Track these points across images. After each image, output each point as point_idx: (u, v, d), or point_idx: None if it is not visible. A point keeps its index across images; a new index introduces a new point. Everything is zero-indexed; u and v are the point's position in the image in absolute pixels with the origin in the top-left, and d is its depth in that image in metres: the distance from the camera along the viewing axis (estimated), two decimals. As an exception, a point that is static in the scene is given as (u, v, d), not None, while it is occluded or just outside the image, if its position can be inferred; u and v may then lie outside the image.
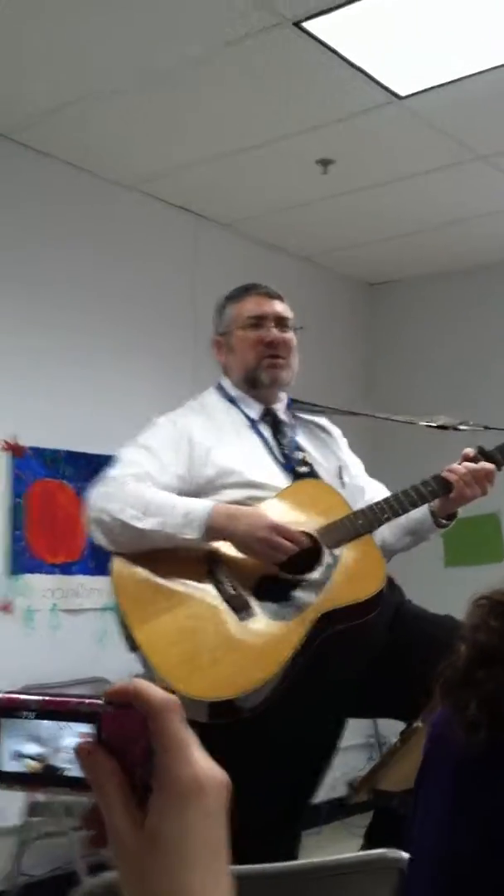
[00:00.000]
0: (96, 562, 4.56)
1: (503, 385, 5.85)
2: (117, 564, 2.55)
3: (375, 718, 3.30)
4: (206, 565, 2.53)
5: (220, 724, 2.35)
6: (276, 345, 2.77)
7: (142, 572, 2.52)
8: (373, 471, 3.04)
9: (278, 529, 2.47)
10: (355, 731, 4.42)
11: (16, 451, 4.38)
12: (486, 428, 2.79)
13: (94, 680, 4.42)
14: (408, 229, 5.51)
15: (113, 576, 2.55)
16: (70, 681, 4.33)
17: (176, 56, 3.67)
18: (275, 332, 2.77)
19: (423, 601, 2.76)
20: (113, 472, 2.60)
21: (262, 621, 2.47)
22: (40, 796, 3.71)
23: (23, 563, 4.34)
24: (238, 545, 2.50)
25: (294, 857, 2.63)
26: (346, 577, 2.53)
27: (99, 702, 0.66)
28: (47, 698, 0.67)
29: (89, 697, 0.67)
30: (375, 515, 2.59)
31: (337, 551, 2.55)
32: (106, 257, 4.84)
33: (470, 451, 2.68)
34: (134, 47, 3.62)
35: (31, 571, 4.37)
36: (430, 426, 2.86)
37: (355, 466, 2.93)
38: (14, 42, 3.60)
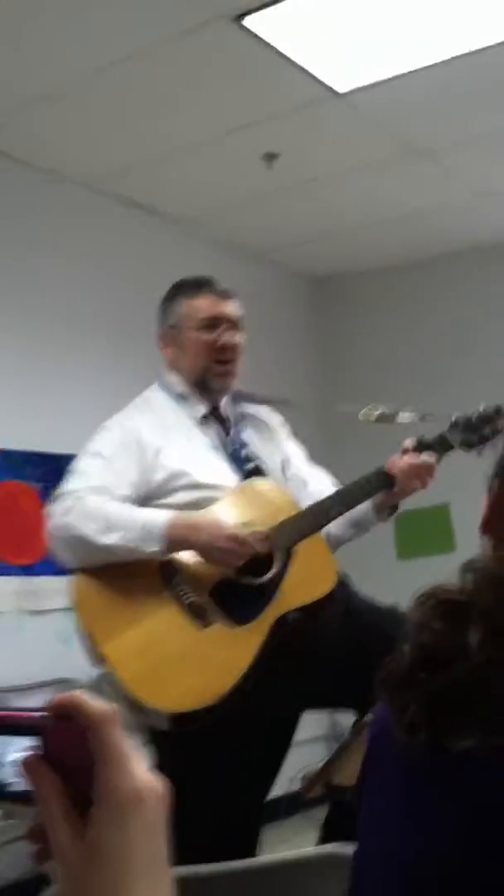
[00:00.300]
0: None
1: (450, 375, 5.90)
2: (77, 579, 2.54)
3: (331, 711, 3.31)
4: (162, 574, 2.53)
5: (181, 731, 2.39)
6: (227, 350, 2.74)
7: (101, 586, 2.51)
8: (326, 460, 3.06)
9: (237, 539, 2.48)
10: (313, 724, 4.44)
11: (-22, 453, 4.38)
12: (424, 419, 2.79)
13: (61, 681, 4.41)
14: (353, 224, 5.54)
15: (73, 591, 2.54)
16: (36, 682, 4.32)
17: (115, 53, 3.66)
18: (227, 337, 2.73)
19: (376, 593, 2.78)
20: (70, 485, 2.56)
21: (222, 628, 2.49)
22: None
23: (-14, 566, 4.34)
24: (199, 554, 2.51)
25: (254, 853, 2.66)
26: (298, 577, 2.56)
27: (41, 715, 0.66)
28: None
29: (32, 711, 0.67)
30: (323, 513, 2.62)
31: (288, 551, 2.57)
32: (60, 256, 4.82)
33: (409, 442, 2.71)
34: (74, 46, 3.61)
35: (-6, 574, 4.37)
36: (369, 421, 2.86)
37: (297, 456, 2.92)
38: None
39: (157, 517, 2.49)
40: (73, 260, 4.89)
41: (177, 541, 2.47)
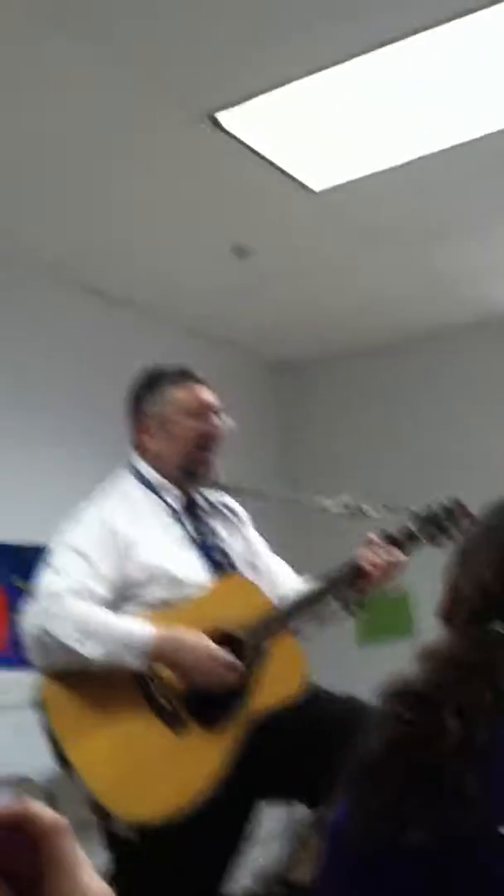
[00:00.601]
0: (17, 655, 4.46)
1: (415, 459, 5.95)
2: (47, 682, 2.50)
3: (287, 802, 3.26)
4: (136, 679, 2.49)
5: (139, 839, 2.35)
6: (218, 437, 2.76)
7: (73, 690, 2.48)
8: (289, 551, 3.06)
9: (220, 663, 2.47)
10: (269, 819, 4.32)
11: None
12: (387, 509, 2.82)
13: (16, 777, 4.30)
14: (323, 313, 5.61)
15: (42, 690, 2.50)
16: (-10, 780, 4.21)
17: (91, 142, 3.69)
18: (219, 424, 2.76)
19: (334, 678, 2.75)
20: (48, 583, 2.52)
21: (194, 734, 2.46)
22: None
23: None
24: (177, 672, 2.48)
25: None
26: (270, 678, 2.54)
27: None
28: None
29: None
30: (296, 610, 2.63)
31: (258, 649, 2.56)
32: (22, 344, 4.83)
33: (372, 535, 2.70)
34: (47, 133, 3.63)
35: (-50, 667, 4.27)
36: (335, 513, 2.87)
37: (263, 547, 2.93)
38: None
39: (142, 631, 2.46)
40: (35, 346, 4.88)
41: (160, 657, 2.45)
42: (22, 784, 4.35)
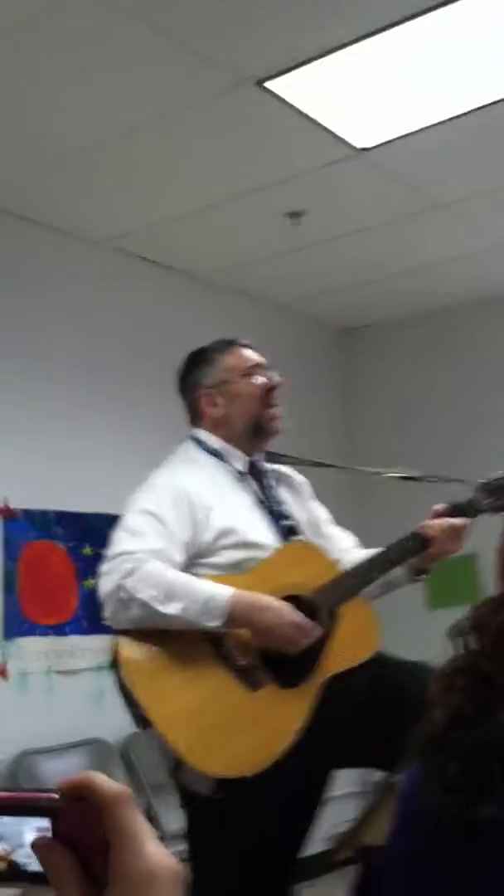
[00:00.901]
0: (89, 622, 4.56)
1: (476, 423, 5.91)
2: (123, 642, 2.51)
3: (360, 767, 3.29)
4: (209, 637, 2.50)
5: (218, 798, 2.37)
6: (276, 390, 2.81)
7: (148, 649, 2.49)
8: (349, 521, 3.08)
9: (299, 626, 2.48)
10: (345, 780, 4.37)
11: (6, 514, 4.40)
12: (448, 480, 2.84)
13: (92, 741, 4.40)
14: (377, 276, 5.60)
15: (120, 654, 2.51)
16: (67, 743, 4.31)
17: (144, 115, 3.75)
18: (276, 378, 2.82)
19: (407, 644, 2.77)
20: (127, 545, 2.53)
21: (270, 692, 2.47)
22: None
23: (16, 626, 4.34)
24: (256, 635, 2.49)
25: None
26: (343, 640, 2.55)
27: (54, 796, 0.66)
28: (2, 794, 0.68)
29: (45, 791, 0.67)
30: (364, 576, 2.62)
31: (331, 613, 2.57)
32: (87, 318, 4.89)
33: (440, 507, 2.72)
34: (102, 108, 3.70)
35: (24, 635, 4.37)
36: (396, 477, 2.90)
37: (324, 516, 2.96)
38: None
39: (221, 592, 2.47)
40: (96, 322, 4.96)
41: (238, 619, 2.46)
42: (97, 747, 4.45)
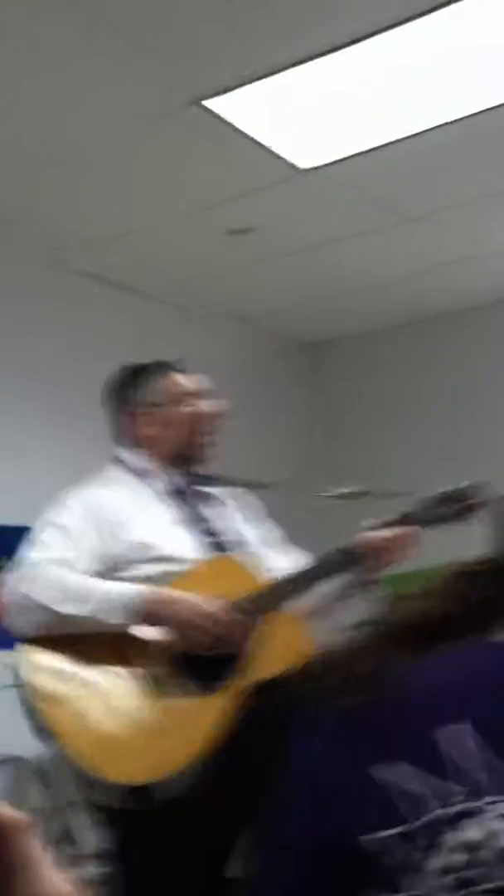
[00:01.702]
0: (2, 636, 4.47)
1: (444, 437, 5.92)
2: (26, 651, 2.49)
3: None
4: (116, 645, 2.48)
5: (131, 810, 2.33)
6: (215, 418, 2.78)
7: (52, 657, 2.46)
8: (306, 540, 3.08)
9: (212, 616, 2.45)
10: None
11: None
12: (395, 495, 2.81)
13: (8, 758, 4.32)
14: (337, 290, 5.61)
15: (22, 666, 2.48)
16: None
17: (84, 130, 3.73)
18: (214, 406, 2.78)
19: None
20: (31, 555, 2.54)
21: (183, 698, 2.45)
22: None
23: None
24: (169, 628, 2.46)
25: None
26: (267, 652, 2.52)
27: None
28: None
29: None
30: (288, 587, 2.60)
31: (249, 624, 2.54)
32: (24, 328, 4.84)
33: (374, 519, 2.70)
34: (43, 122, 3.68)
35: None
36: (336, 496, 2.89)
37: (275, 535, 2.93)
38: None
39: (127, 589, 2.46)
40: (33, 329, 4.90)
41: (148, 614, 2.44)
42: (14, 765, 4.37)
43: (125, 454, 2.80)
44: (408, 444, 6.02)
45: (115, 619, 2.42)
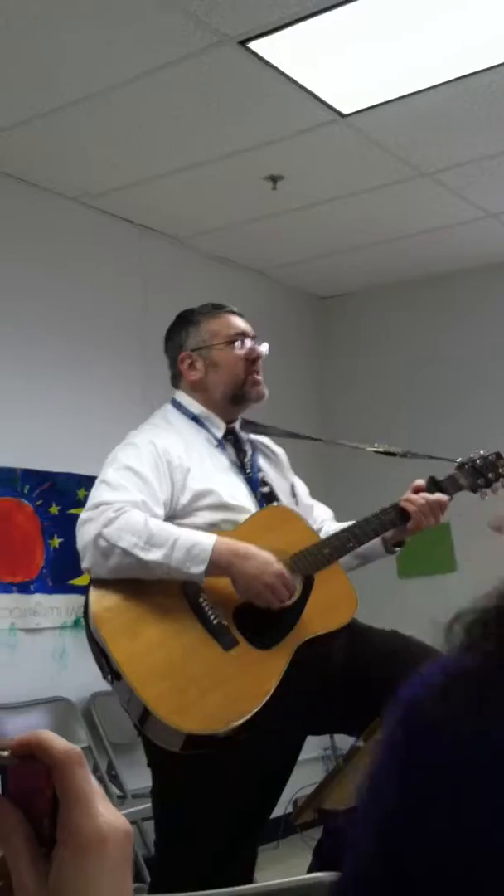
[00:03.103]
0: (54, 581, 4.56)
1: (455, 395, 5.92)
2: (96, 593, 2.50)
3: (331, 733, 3.34)
4: (185, 593, 2.51)
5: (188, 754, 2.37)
6: (259, 360, 2.82)
7: (122, 601, 2.48)
8: (324, 495, 3.10)
9: (283, 577, 2.49)
10: (311, 744, 4.41)
11: (-28, 470, 4.37)
12: (429, 458, 2.90)
13: (54, 699, 4.41)
14: (357, 243, 5.57)
15: (91, 605, 2.49)
16: (30, 700, 4.31)
17: (122, 74, 3.69)
18: (259, 348, 2.83)
19: (379, 612, 2.80)
20: (107, 496, 2.52)
21: (245, 652, 2.48)
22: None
23: (-20, 583, 4.33)
24: (238, 583, 2.49)
25: (251, 875, 2.64)
26: (319, 606, 2.57)
27: (3, 754, 0.66)
28: None
29: None
30: (342, 544, 2.64)
31: (307, 579, 2.59)
32: (57, 274, 4.83)
33: (421, 482, 2.77)
34: (82, 66, 3.64)
35: (-11, 591, 4.36)
36: (378, 451, 2.95)
37: (302, 488, 2.99)
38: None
39: (204, 539, 2.48)
40: (69, 277, 4.90)
41: (220, 565, 2.47)
42: (60, 705, 4.45)
43: (182, 397, 2.84)
44: (416, 401, 6.02)
45: (193, 569, 2.45)
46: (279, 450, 3.00)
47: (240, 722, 2.38)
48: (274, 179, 4.62)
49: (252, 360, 2.81)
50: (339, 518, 2.96)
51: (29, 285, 4.70)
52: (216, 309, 2.88)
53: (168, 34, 3.43)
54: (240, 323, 2.86)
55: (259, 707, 2.41)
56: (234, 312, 2.89)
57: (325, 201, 4.93)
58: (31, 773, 0.65)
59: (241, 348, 2.80)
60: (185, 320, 2.89)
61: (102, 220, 5.08)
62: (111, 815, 0.65)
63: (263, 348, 2.84)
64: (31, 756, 0.65)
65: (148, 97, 3.87)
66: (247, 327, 2.86)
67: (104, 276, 5.09)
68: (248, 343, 2.82)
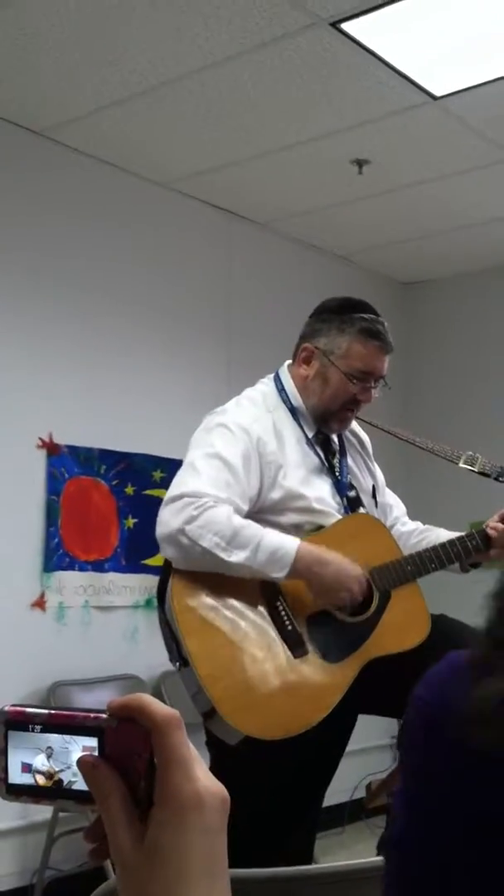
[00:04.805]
0: (127, 560, 4.60)
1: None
2: (178, 581, 2.47)
3: (394, 718, 3.32)
4: (264, 592, 2.50)
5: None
6: (362, 404, 2.74)
7: (203, 593, 2.47)
8: (403, 492, 3.07)
9: (362, 584, 2.48)
10: (378, 731, 4.40)
11: (51, 449, 4.41)
12: None
13: (125, 677, 4.45)
14: (442, 229, 5.50)
15: (172, 592, 2.47)
16: (101, 677, 4.36)
17: (211, 56, 3.68)
18: (370, 395, 2.72)
19: (447, 603, 2.77)
20: (192, 486, 2.47)
21: (314, 662, 2.47)
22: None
23: (56, 560, 4.38)
24: (317, 587, 2.47)
25: (309, 858, 2.64)
26: (393, 624, 2.55)
27: (103, 716, 0.67)
28: (53, 712, 0.68)
29: (94, 712, 0.68)
30: (424, 565, 2.61)
31: (385, 594, 2.57)
32: (142, 257, 4.87)
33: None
34: (171, 48, 3.64)
35: (64, 568, 4.40)
36: (470, 469, 2.80)
37: (382, 482, 2.94)
38: (57, 45, 3.63)
39: (288, 543, 2.45)
40: (152, 260, 4.92)
41: (302, 571, 2.45)
42: (130, 683, 4.50)
43: (287, 380, 2.77)
44: (496, 391, 5.91)
45: (274, 573, 2.43)
46: (365, 437, 2.93)
47: (298, 733, 2.38)
48: (360, 164, 4.58)
49: (357, 401, 2.72)
50: (412, 515, 2.93)
51: (114, 268, 4.73)
52: (371, 337, 2.70)
53: (260, 16, 3.41)
54: (377, 364, 2.70)
55: (320, 720, 2.40)
56: (385, 347, 2.72)
57: (411, 185, 4.87)
58: (129, 735, 0.66)
59: (356, 387, 2.68)
60: (337, 318, 2.73)
61: (189, 205, 5.09)
62: (209, 780, 0.66)
63: (375, 393, 2.73)
64: (130, 719, 0.66)
65: (237, 80, 3.86)
66: (380, 368, 2.72)
67: (190, 259, 5.10)
68: (366, 386, 2.70)
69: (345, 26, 3.47)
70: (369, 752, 2.77)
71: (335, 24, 3.46)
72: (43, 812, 3.98)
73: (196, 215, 5.14)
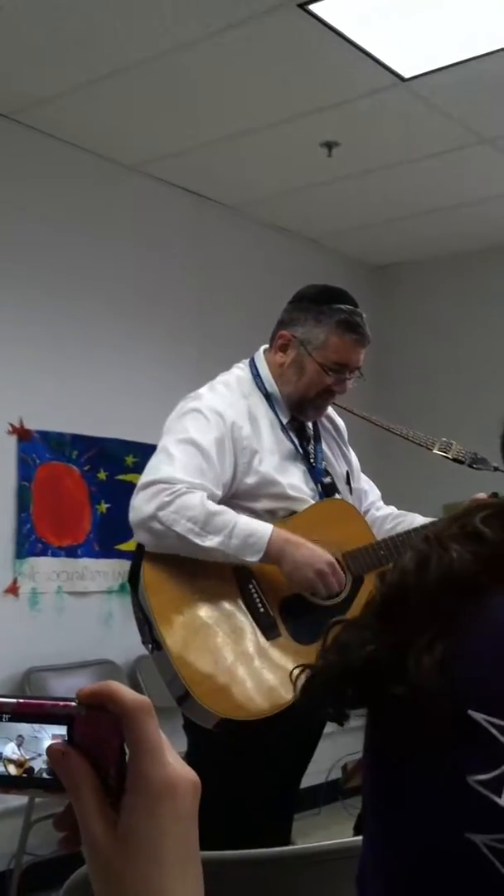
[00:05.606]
0: (100, 545, 4.59)
1: (498, 370, 5.82)
2: (150, 563, 2.48)
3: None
4: (236, 576, 2.51)
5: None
6: (336, 395, 2.74)
7: (175, 576, 2.47)
8: (378, 477, 3.08)
9: (334, 567, 2.48)
10: (354, 712, 4.40)
11: (22, 434, 4.39)
12: (496, 469, 2.67)
13: (100, 662, 4.45)
14: (413, 212, 5.50)
15: (144, 574, 2.48)
16: (76, 663, 4.36)
17: (179, 38, 3.65)
18: (344, 386, 2.72)
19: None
20: (165, 471, 2.47)
21: (286, 644, 2.48)
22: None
23: (29, 546, 4.36)
24: (288, 568, 2.47)
25: (286, 840, 2.65)
26: (356, 605, 2.55)
27: (72, 704, 0.66)
28: (21, 700, 0.68)
29: (63, 700, 0.67)
30: (398, 549, 2.59)
31: (357, 578, 2.58)
32: (110, 240, 4.84)
33: (483, 496, 2.66)
34: (138, 30, 3.61)
35: (37, 554, 4.39)
36: (444, 456, 2.78)
37: (356, 467, 2.95)
38: (20, 26, 3.59)
39: (262, 529, 2.46)
40: (121, 243, 4.90)
41: (275, 555, 2.45)
42: (105, 668, 4.50)
43: (262, 365, 2.76)
44: (473, 376, 5.92)
45: (248, 557, 2.44)
46: (341, 423, 2.94)
47: (271, 713, 2.38)
48: (329, 146, 4.56)
49: (332, 391, 2.72)
50: (387, 500, 2.94)
51: (83, 252, 4.70)
52: (348, 330, 2.69)
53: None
54: (353, 356, 2.70)
55: (294, 699, 2.40)
56: (361, 339, 2.71)
57: (381, 168, 4.86)
58: (99, 722, 0.66)
59: (331, 378, 2.69)
60: (315, 308, 2.71)
61: (158, 188, 5.06)
62: (180, 766, 0.66)
63: (351, 384, 2.73)
64: (100, 706, 0.66)
65: (205, 61, 3.83)
66: (356, 361, 2.71)
67: (160, 242, 5.08)
68: (341, 377, 2.70)
69: (313, 7, 3.45)
70: (345, 734, 2.76)
71: (303, 6, 3.44)
72: (19, 797, 3.96)
73: (166, 199, 5.11)
